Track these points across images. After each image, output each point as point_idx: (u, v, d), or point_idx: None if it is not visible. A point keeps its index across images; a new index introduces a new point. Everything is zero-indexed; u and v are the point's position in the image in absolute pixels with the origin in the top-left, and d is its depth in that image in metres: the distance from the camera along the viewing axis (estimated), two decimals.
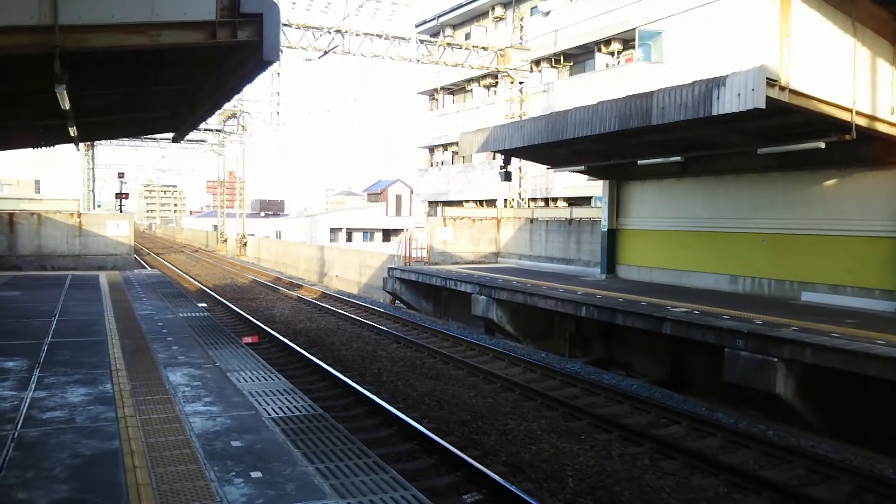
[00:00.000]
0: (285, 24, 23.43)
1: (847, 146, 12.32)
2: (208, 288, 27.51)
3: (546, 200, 32.24)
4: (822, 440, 9.47)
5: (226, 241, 55.80)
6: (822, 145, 12.17)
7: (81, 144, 38.45)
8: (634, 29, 26.65)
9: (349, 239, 64.66)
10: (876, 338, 9.87)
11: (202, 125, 38.07)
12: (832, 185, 13.97)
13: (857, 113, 11.69)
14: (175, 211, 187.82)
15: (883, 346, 9.26)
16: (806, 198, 14.43)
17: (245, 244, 51.37)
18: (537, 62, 31.89)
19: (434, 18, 40.53)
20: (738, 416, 10.39)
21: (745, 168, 15.45)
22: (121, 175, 46.92)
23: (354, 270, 32.68)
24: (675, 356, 13.87)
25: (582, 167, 18.92)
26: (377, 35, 25.35)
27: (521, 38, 29.74)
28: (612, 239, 19.58)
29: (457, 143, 23.83)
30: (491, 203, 34.07)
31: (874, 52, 12.21)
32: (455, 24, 40.26)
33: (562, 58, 31.68)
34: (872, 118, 12.14)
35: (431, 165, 43.82)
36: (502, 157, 20.77)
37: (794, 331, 10.40)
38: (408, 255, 25.42)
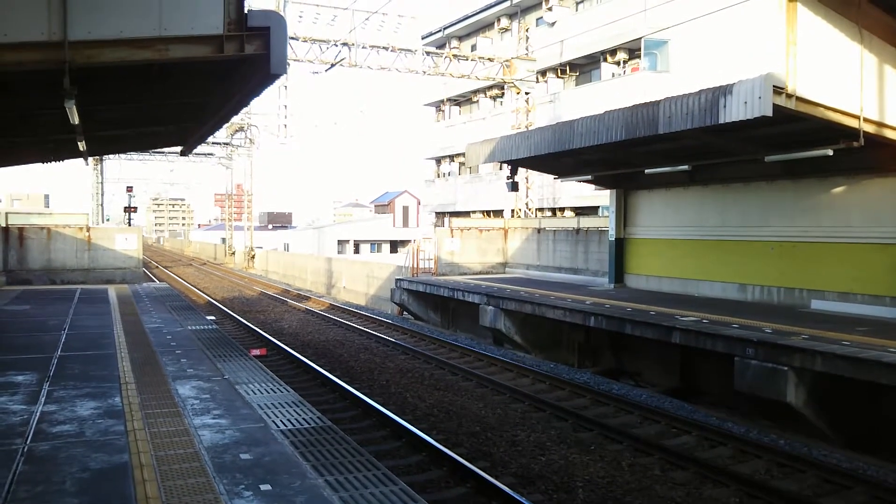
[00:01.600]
0: (292, 38, 23.56)
1: (855, 153, 12.30)
2: (217, 301, 27.57)
3: (553, 210, 32.22)
4: (834, 449, 9.40)
5: (234, 253, 55.94)
6: (830, 152, 12.14)
7: (90, 159, 38.73)
8: (640, 38, 26.64)
9: (357, 250, 64.79)
10: (887, 346, 9.81)
11: (210, 138, 38.27)
12: (840, 193, 13.92)
13: (865, 119, 11.66)
14: (183, 224, 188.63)
15: (894, 354, 9.19)
16: (814, 205, 14.38)
17: (253, 257, 51.50)
18: (543, 72, 31.94)
19: (440, 30, 40.67)
20: (749, 426, 10.32)
21: (753, 176, 15.42)
22: (129, 189, 47.23)
23: (362, 282, 32.70)
24: (685, 365, 13.80)
25: (589, 177, 18.92)
26: (383, 47, 25.45)
27: (526, 49, 29.82)
28: (619, 248, 19.54)
29: (463, 154, 23.85)
30: (498, 213, 34.07)
31: (881, 59, 12.19)
32: (461, 35, 40.40)
33: (568, 68, 31.73)
34: (880, 125, 12.10)
35: (438, 176, 43.88)
36: (509, 167, 20.80)
37: (805, 339, 10.34)
38: (415, 266, 25.43)
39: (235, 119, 42.96)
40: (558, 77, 32.19)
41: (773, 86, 10.35)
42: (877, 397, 9.97)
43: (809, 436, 10.06)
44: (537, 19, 33.62)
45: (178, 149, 23.02)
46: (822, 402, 10.10)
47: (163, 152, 46.04)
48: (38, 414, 6.45)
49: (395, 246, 64.84)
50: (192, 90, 10.48)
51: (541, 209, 31.98)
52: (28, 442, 5.64)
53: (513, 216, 29.58)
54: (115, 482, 4.82)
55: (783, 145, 13.14)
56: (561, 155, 16.27)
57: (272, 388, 8.23)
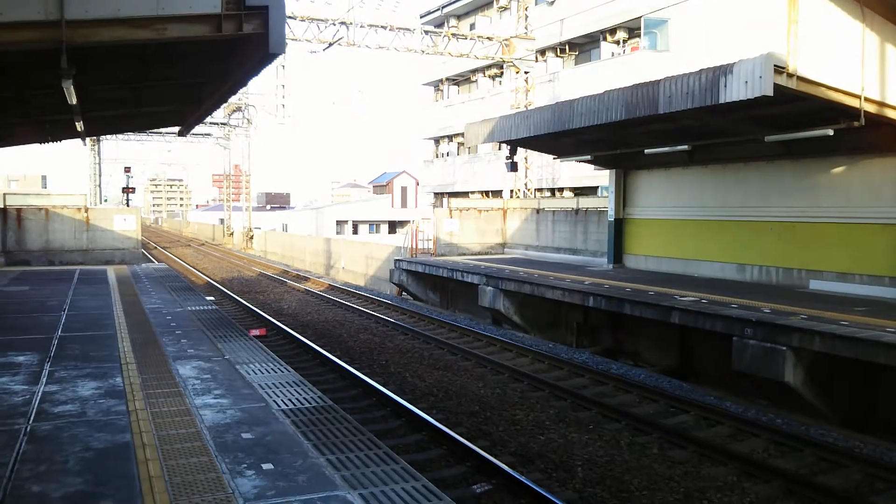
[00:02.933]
0: (290, 17, 23.36)
1: (856, 133, 12.26)
2: (216, 281, 27.59)
3: (552, 190, 32.18)
4: (831, 428, 9.47)
5: (232, 234, 55.89)
6: (831, 132, 12.11)
7: (88, 139, 38.55)
8: (640, 17, 26.47)
9: (355, 231, 64.71)
10: (886, 325, 9.84)
11: (208, 119, 38.10)
12: (841, 173, 13.90)
13: (866, 99, 11.61)
14: (181, 205, 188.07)
15: (893, 334, 9.22)
16: (814, 185, 14.36)
17: (251, 237, 51.48)
18: (542, 52, 31.76)
19: (438, 9, 40.37)
20: (747, 405, 10.39)
21: (753, 156, 15.38)
22: (127, 169, 46.90)
23: (361, 262, 32.71)
24: (684, 345, 13.86)
25: (588, 157, 18.87)
26: (382, 26, 25.26)
27: (525, 28, 29.59)
28: (618, 228, 19.54)
29: (462, 134, 23.75)
30: (497, 194, 34.00)
31: (883, 38, 12.12)
32: (459, 14, 40.11)
33: (567, 47, 31.56)
34: (881, 104, 12.05)
35: (437, 157, 43.76)
36: (508, 147, 20.75)
37: (803, 319, 10.37)
38: (414, 246, 25.42)
39: (233, 99, 42.74)
40: (558, 56, 32.01)
41: (774, 65, 10.29)
42: (875, 377, 10.03)
43: (807, 415, 10.12)
44: None
45: (176, 129, 22.93)
46: (820, 381, 10.16)
47: (160, 133, 45.84)
48: (39, 394, 6.47)
49: (393, 226, 64.74)
50: (191, 70, 10.42)
51: (540, 189, 31.93)
52: (31, 422, 5.67)
53: (512, 196, 29.52)
54: (117, 461, 4.85)
55: (784, 125, 13.09)
56: (560, 135, 16.22)
57: (272, 367, 8.26)
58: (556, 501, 6.67)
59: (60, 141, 18.74)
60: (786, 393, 10.22)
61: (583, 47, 31.43)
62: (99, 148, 47.67)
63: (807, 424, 9.50)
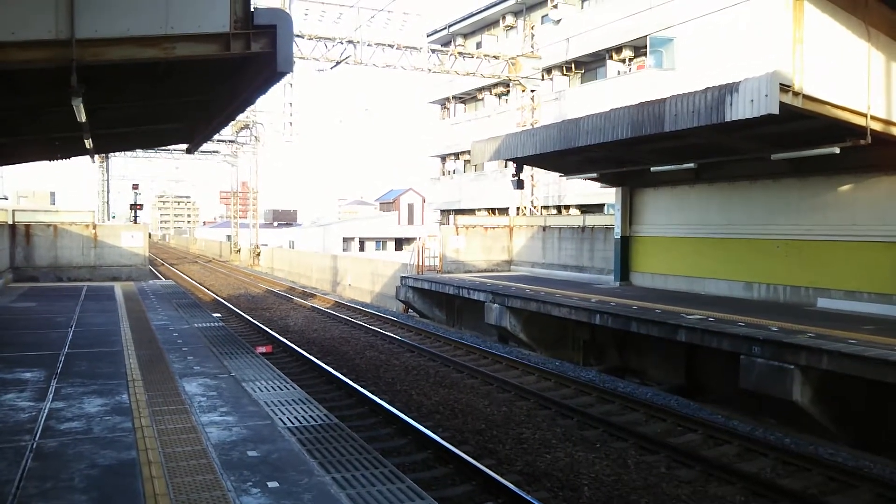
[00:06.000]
0: (298, 36, 23.56)
1: (862, 151, 12.25)
2: (222, 298, 27.63)
3: (558, 208, 32.20)
4: (840, 448, 9.38)
5: (239, 251, 56.04)
6: (837, 150, 12.10)
7: (96, 156, 38.84)
8: (646, 36, 26.60)
9: (362, 248, 64.77)
10: (893, 344, 9.77)
11: (216, 136, 38.35)
12: (847, 191, 13.88)
13: (872, 118, 11.61)
14: (189, 221, 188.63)
15: None
16: (821, 203, 14.34)
17: (258, 254, 51.57)
18: (548, 70, 31.91)
19: (445, 28, 40.63)
20: (755, 424, 10.31)
21: (760, 174, 15.38)
22: (135, 186, 47.12)
23: (367, 279, 32.73)
24: (691, 364, 13.79)
25: (594, 175, 18.90)
26: (389, 45, 25.43)
27: (532, 47, 29.77)
28: (625, 246, 19.52)
29: (468, 152, 23.87)
30: (503, 211, 34.06)
31: (889, 57, 12.14)
32: (466, 33, 40.37)
33: (573, 65, 31.69)
34: (888, 123, 12.05)
35: (443, 174, 43.87)
36: (514, 165, 20.78)
37: (811, 337, 10.32)
38: (420, 263, 25.44)
39: (241, 117, 42.98)
40: (564, 75, 32.15)
41: (780, 84, 10.32)
42: (883, 396, 9.95)
43: (815, 434, 10.05)
44: (542, 17, 33.58)
45: (184, 146, 23.04)
46: (828, 400, 10.09)
47: (168, 150, 46.10)
48: (46, 411, 6.48)
49: (400, 243, 64.76)
50: (199, 88, 10.49)
51: (546, 207, 31.96)
52: (37, 439, 5.67)
53: (518, 214, 29.57)
54: (123, 479, 4.84)
55: (790, 143, 13.10)
56: (566, 153, 16.26)
57: (278, 385, 8.26)
58: None
59: (69, 158, 18.86)
60: (793, 411, 10.15)
61: (589, 66, 31.56)
62: (107, 165, 47.90)
63: (815, 443, 9.42)
